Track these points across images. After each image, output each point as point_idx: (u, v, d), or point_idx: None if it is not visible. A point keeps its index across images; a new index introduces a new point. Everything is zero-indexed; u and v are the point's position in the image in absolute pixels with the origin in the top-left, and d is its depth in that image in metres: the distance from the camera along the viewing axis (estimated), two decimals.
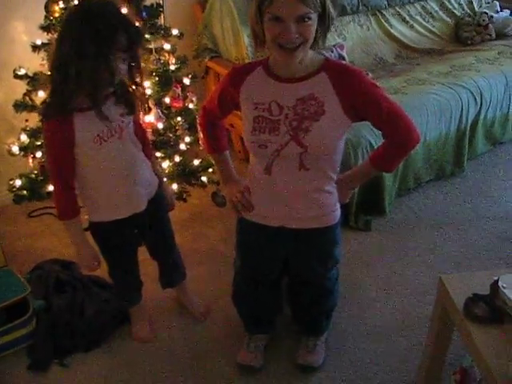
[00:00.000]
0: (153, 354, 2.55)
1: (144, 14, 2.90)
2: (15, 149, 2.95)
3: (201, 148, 3.11)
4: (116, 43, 1.90)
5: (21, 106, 2.86)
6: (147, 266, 2.60)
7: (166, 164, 3.09)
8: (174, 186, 3.12)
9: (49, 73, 2.73)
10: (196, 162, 3.17)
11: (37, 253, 3.22)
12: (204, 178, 3.17)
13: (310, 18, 1.71)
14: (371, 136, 3.14)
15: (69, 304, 2.68)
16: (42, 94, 2.88)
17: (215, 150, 2.24)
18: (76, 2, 2.70)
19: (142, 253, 2.53)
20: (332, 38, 4.06)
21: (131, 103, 2.12)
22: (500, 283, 1.81)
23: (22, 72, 2.87)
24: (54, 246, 3.30)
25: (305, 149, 1.86)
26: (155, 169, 2.41)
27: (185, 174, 2.99)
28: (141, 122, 2.46)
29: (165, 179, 2.55)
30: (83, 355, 2.55)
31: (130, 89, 2.12)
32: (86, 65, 1.88)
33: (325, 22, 1.78)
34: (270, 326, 2.54)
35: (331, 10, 1.79)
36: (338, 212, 2.11)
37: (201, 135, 3.03)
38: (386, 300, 2.80)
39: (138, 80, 2.14)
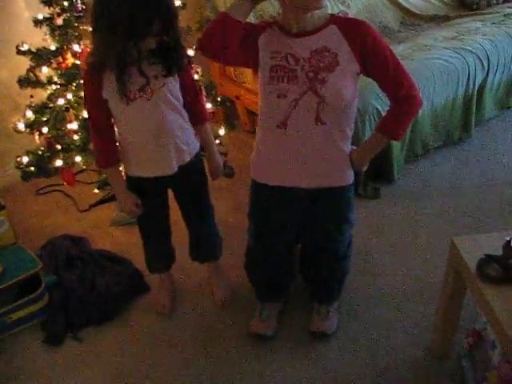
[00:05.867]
0: (166, 327, 2.56)
1: None
2: (21, 126, 2.94)
3: None
4: (149, 32, 1.89)
5: (25, 82, 2.84)
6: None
7: None
8: None
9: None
10: None
11: (46, 230, 3.23)
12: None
13: None
14: (378, 103, 3.11)
15: (80, 278, 2.70)
16: (45, 70, 2.86)
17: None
18: None
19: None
20: (336, 6, 4.02)
21: (171, 65, 2.04)
22: None
23: (25, 48, 2.84)
24: (64, 222, 3.31)
25: (322, 99, 1.88)
26: (201, 136, 2.32)
27: None
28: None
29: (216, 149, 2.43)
30: (96, 328, 2.56)
31: (173, 51, 2.03)
32: (115, 41, 1.87)
33: None
34: (282, 294, 2.54)
35: None
36: (352, 173, 2.13)
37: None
38: (397, 266, 2.79)
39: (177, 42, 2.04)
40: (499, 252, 1.84)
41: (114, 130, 2.17)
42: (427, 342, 2.35)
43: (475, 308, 2.23)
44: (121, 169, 2.28)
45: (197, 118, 2.28)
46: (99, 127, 2.14)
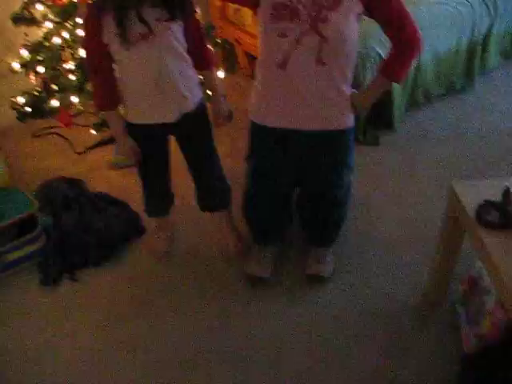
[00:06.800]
0: (162, 269, 2.57)
1: None
2: (16, 65, 2.88)
3: None
4: None
5: (19, 20, 2.77)
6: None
7: None
8: None
9: None
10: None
11: (43, 172, 3.20)
12: (208, 92, 3.10)
13: None
14: (380, 47, 3.05)
15: (77, 220, 2.70)
16: (40, 7, 2.79)
17: None
18: None
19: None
20: None
21: (174, 8, 1.97)
22: None
23: None
24: (60, 165, 3.29)
25: (324, 39, 1.85)
26: (207, 82, 2.30)
27: None
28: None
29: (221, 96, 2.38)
30: (94, 270, 2.58)
31: None
32: None
33: None
34: (279, 237, 2.55)
35: None
36: (352, 116, 2.10)
37: None
38: (395, 213, 2.80)
39: None
40: (499, 198, 1.83)
41: (114, 73, 2.11)
42: (423, 288, 2.36)
43: (471, 256, 2.24)
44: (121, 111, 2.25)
45: (202, 63, 2.23)
46: (98, 70, 2.08)
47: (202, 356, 2.19)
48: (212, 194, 2.53)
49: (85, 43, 2.12)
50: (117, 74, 2.11)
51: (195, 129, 2.30)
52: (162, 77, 2.06)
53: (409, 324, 2.26)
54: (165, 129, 2.23)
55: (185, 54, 2.12)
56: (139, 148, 2.25)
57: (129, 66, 2.05)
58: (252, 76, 2.75)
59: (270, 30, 1.90)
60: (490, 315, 1.91)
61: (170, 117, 2.18)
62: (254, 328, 2.28)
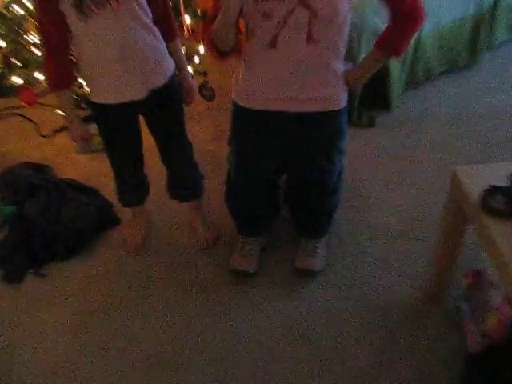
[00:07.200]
0: (138, 263, 2.56)
1: None
2: None
3: (185, 36, 3.02)
4: None
5: None
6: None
7: None
8: None
9: None
10: None
11: (5, 157, 3.18)
12: (189, 69, 3.08)
13: None
14: (378, 18, 3.03)
15: (43, 209, 2.67)
16: None
17: None
18: None
19: None
20: None
21: None
22: None
23: None
24: (23, 149, 3.26)
25: (314, 12, 1.80)
26: (174, 55, 2.24)
27: None
28: None
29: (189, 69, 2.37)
30: (62, 264, 2.56)
31: None
32: None
33: None
34: (265, 228, 2.55)
35: None
36: (346, 96, 2.08)
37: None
38: (393, 201, 2.79)
39: None
40: (505, 183, 1.83)
41: (69, 49, 2.07)
42: (421, 281, 2.37)
43: (476, 248, 2.24)
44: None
45: (167, 34, 2.19)
46: (53, 44, 2.03)
47: (183, 356, 2.18)
48: (183, 182, 2.53)
49: (38, 12, 2.05)
50: (75, 51, 2.07)
51: (166, 105, 2.27)
52: (126, 50, 2.01)
53: (408, 320, 2.26)
54: (133, 107, 2.19)
55: (151, 24, 2.08)
56: (110, 132, 2.24)
57: (90, 39, 2.00)
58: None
59: (252, 11, 1.85)
60: (497, 312, 1.91)
61: (137, 94, 2.14)
62: (239, 326, 2.27)
